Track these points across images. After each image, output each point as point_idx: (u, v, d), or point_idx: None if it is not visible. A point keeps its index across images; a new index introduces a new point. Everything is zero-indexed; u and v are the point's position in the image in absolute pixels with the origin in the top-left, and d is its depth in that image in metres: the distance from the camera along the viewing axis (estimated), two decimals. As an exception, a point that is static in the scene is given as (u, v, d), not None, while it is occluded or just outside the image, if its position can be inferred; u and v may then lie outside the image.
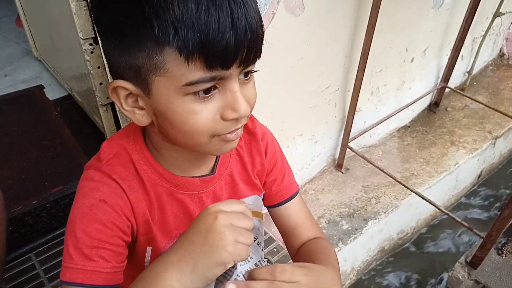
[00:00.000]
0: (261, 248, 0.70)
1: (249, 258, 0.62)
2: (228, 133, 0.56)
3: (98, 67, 1.07)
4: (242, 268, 0.58)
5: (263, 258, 0.69)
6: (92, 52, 1.05)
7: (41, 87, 1.74)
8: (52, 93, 1.69)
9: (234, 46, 0.49)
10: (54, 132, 1.48)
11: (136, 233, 0.63)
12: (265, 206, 0.79)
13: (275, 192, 0.77)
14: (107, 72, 1.04)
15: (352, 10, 1.36)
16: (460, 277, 1.44)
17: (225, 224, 0.52)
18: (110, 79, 1.03)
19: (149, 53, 0.49)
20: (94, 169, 0.61)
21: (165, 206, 0.64)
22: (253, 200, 0.70)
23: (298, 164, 1.62)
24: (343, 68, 1.50)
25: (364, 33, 1.37)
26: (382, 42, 1.57)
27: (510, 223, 1.32)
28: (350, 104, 1.57)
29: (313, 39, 1.29)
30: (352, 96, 1.55)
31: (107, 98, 1.12)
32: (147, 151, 0.63)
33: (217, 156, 0.69)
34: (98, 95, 1.11)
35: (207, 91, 0.52)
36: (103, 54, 0.54)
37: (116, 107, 1.01)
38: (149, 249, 0.66)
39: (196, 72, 0.49)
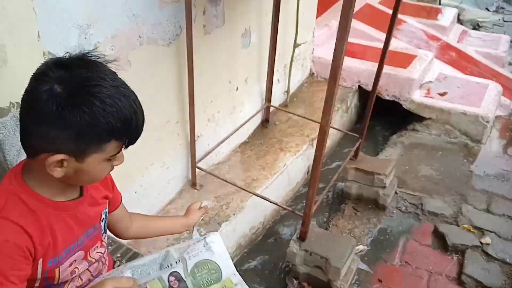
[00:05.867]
0: None
1: None
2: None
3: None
4: None
5: None
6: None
7: None
8: None
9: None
10: None
11: (34, 255, 0.86)
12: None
13: (114, 200, 1.10)
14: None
15: (173, 59, 1.71)
16: (294, 250, 1.86)
17: None
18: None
19: (100, 145, 0.81)
20: None
21: (55, 227, 0.89)
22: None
23: (155, 190, 1.89)
24: (177, 105, 1.83)
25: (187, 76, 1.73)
26: (206, 79, 1.95)
27: (317, 200, 1.79)
28: (190, 133, 1.91)
29: (143, 86, 1.59)
30: (190, 126, 1.89)
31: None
32: (31, 191, 0.87)
33: None
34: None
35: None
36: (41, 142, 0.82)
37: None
38: (40, 260, 0.88)
39: (119, 148, 0.85)
